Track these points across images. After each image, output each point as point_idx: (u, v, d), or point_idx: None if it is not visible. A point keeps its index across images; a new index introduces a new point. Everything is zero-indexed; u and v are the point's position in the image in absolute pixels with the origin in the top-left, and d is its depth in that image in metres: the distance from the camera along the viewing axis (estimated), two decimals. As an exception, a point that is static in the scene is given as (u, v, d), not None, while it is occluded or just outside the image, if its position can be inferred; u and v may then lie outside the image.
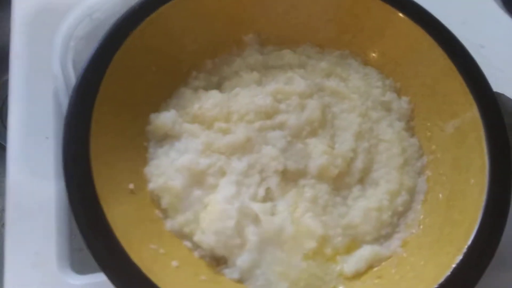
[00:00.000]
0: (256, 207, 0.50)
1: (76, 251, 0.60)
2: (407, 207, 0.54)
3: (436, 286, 0.44)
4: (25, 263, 0.53)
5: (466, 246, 0.46)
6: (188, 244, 0.50)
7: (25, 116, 0.61)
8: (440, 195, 0.52)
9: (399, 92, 0.60)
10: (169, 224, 0.50)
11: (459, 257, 0.45)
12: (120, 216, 0.46)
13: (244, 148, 0.53)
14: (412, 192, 0.54)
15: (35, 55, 0.64)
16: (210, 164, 0.52)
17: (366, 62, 0.62)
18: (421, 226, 0.52)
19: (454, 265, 0.45)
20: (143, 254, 0.45)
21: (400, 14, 0.57)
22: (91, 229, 0.44)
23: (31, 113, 0.61)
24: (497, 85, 0.64)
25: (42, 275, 0.52)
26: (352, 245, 0.51)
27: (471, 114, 0.52)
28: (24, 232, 0.54)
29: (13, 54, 0.65)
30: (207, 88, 0.59)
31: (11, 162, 0.58)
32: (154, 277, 0.43)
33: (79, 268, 0.54)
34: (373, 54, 0.61)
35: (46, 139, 0.59)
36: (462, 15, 0.72)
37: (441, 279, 0.44)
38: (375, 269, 0.50)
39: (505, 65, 0.69)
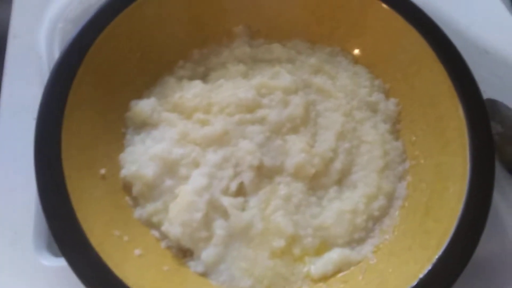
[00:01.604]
0: (226, 201, 0.49)
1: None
2: (384, 212, 0.52)
3: (399, 295, 0.43)
4: (3, 240, 0.53)
5: (436, 257, 0.44)
6: (155, 233, 0.50)
7: (15, 96, 0.61)
8: (419, 202, 0.50)
9: (387, 94, 0.58)
10: (138, 212, 0.50)
11: (428, 267, 0.44)
12: (85, 199, 0.46)
13: (220, 140, 0.52)
14: (390, 197, 0.52)
15: (31, 36, 0.65)
16: (184, 155, 0.51)
17: (356, 61, 0.60)
18: (396, 233, 0.50)
19: (421, 276, 0.43)
20: (104, 239, 0.45)
21: (394, 13, 0.55)
22: (53, 209, 0.44)
23: (22, 93, 0.61)
24: (497, 92, 0.62)
25: (17, 254, 0.52)
26: (322, 247, 0.50)
27: (457, 120, 0.50)
28: (5, 210, 0.54)
29: (11, 35, 0.66)
30: (192, 78, 0.58)
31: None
32: (111, 263, 0.43)
33: (57, 250, 0.55)
34: (364, 52, 0.60)
35: (34, 119, 0.60)
36: (468, 19, 0.69)
37: (405, 289, 0.43)
38: (342, 273, 0.49)
39: (508, 72, 0.66)
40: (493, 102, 0.59)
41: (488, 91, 0.58)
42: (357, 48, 0.60)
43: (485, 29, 0.69)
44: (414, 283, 0.43)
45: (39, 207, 0.54)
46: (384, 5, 0.55)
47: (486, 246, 0.46)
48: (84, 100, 0.50)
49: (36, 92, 0.61)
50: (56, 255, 0.53)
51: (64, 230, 0.43)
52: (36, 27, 0.64)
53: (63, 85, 0.49)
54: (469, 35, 0.68)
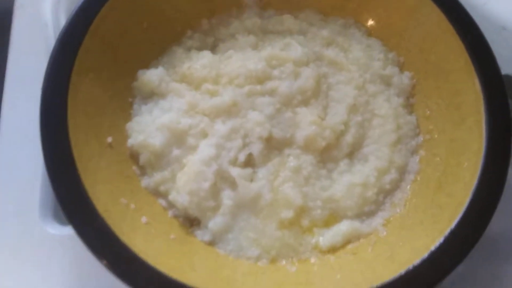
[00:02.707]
0: (235, 171, 0.48)
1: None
2: (395, 186, 0.51)
3: (409, 267, 0.42)
4: (10, 209, 0.53)
5: (448, 230, 0.43)
6: (163, 202, 0.49)
7: (21, 65, 0.60)
8: (432, 177, 0.49)
9: (401, 67, 0.57)
10: (145, 182, 0.50)
11: (440, 240, 0.43)
12: (92, 168, 0.45)
13: (229, 111, 0.51)
14: (402, 171, 0.51)
15: (36, 4, 0.63)
16: (192, 125, 0.50)
17: (370, 33, 0.59)
18: (407, 206, 0.49)
19: (432, 248, 0.42)
20: (110, 207, 0.44)
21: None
22: (59, 177, 0.43)
23: (28, 62, 0.60)
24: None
25: (24, 223, 0.53)
26: (332, 219, 0.49)
27: (474, 95, 0.48)
28: (12, 179, 0.55)
29: (17, 4, 0.65)
30: (201, 48, 0.57)
31: (5, 111, 0.58)
32: (117, 230, 0.42)
33: (63, 218, 0.54)
34: (378, 24, 0.58)
35: (40, 88, 0.59)
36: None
37: (416, 261, 0.42)
38: (352, 245, 0.48)
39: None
40: (509, 78, 0.58)
41: (504, 67, 0.57)
42: (371, 20, 0.58)
43: (502, 5, 0.67)
44: (425, 255, 0.42)
45: (45, 175, 0.54)
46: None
47: (499, 221, 0.45)
48: (91, 69, 0.49)
49: (42, 60, 0.59)
50: (62, 223, 0.54)
51: (70, 198, 0.43)
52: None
53: (69, 53, 0.47)
54: (486, 11, 0.67)
